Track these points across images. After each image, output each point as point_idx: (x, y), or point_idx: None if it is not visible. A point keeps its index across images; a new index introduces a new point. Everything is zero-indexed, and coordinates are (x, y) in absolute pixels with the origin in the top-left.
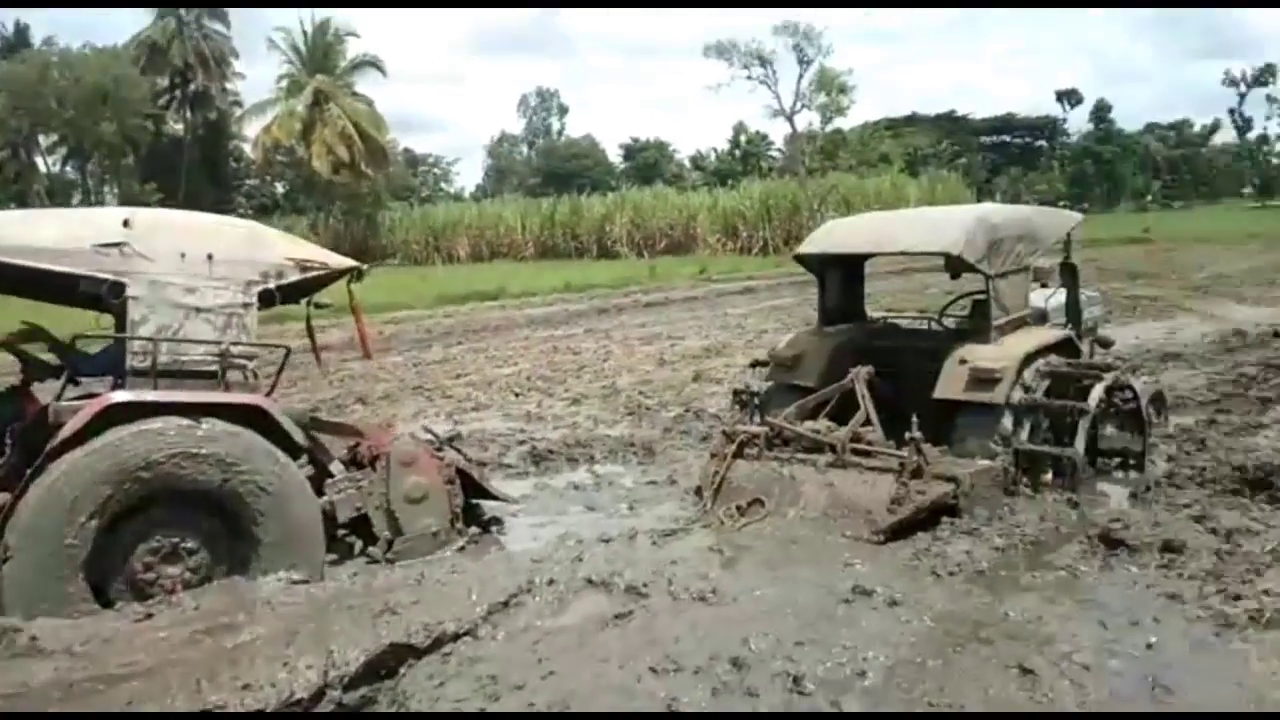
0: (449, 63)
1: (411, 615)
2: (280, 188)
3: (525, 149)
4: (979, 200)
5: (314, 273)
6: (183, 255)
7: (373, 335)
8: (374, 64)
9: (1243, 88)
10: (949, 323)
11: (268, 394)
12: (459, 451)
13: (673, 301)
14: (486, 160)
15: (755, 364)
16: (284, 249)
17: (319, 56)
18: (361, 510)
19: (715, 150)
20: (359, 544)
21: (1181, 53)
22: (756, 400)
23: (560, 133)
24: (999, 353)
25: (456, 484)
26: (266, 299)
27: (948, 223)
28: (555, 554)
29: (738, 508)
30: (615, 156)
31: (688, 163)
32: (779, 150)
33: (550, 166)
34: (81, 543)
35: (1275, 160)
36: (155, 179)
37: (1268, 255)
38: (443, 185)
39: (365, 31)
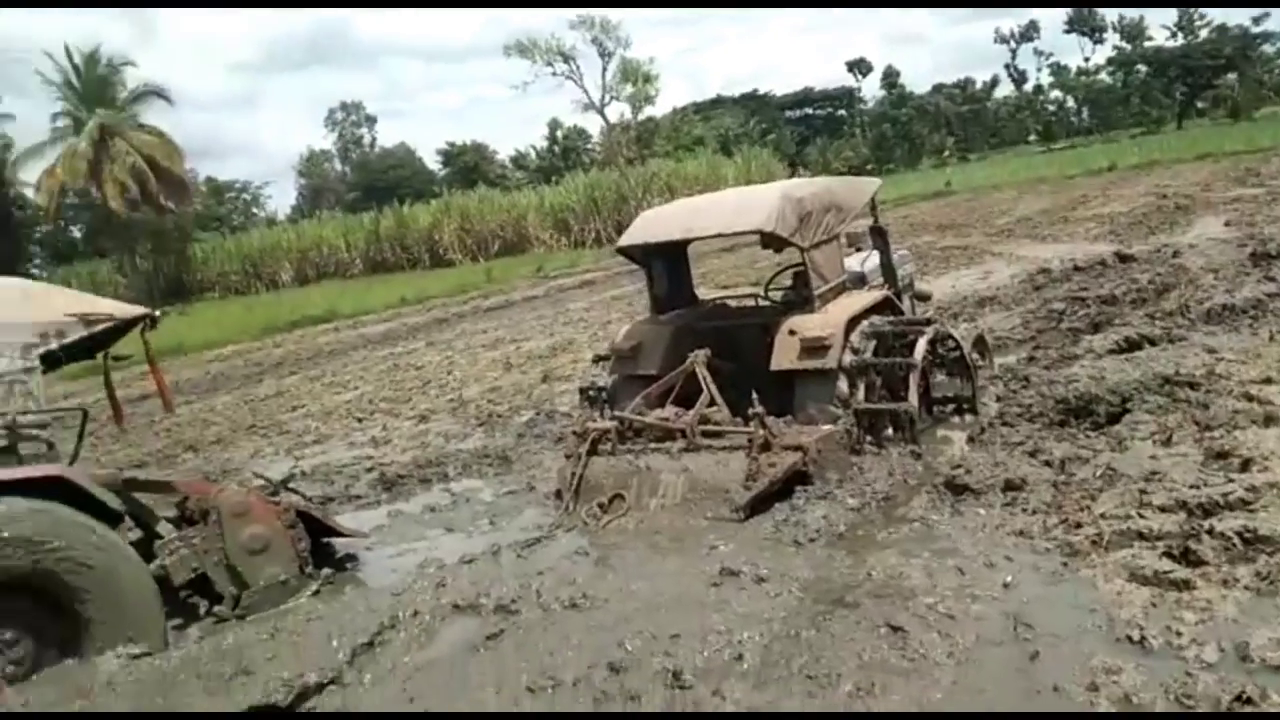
0: (240, 83)
1: (269, 672)
2: (76, 231)
3: (339, 164)
4: (792, 172)
5: (100, 326)
6: None
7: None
8: (158, 93)
9: (1013, 44)
10: (776, 296)
11: (70, 461)
12: (296, 492)
13: (513, 304)
14: (299, 180)
15: (598, 359)
16: (63, 305)
17: (95, 90)
18: (199, 569)
19: (534, 148)
20: (205, 604)
21: (954, 15)
22: (604, 395)
23: (373, 144)
24: (824, 320)
25: (299, 527)
26: (50, 361)
27: (757, 202)
28: (416, 583)
29: (599, 505)
30: (433, 163)
31: (509, 162)
32: (597, 143)
33: (367, 180)
34: None
35: (1051, 108)
36: None
37: (1057, 195)
38: (255, 210)
39: (142, 59)
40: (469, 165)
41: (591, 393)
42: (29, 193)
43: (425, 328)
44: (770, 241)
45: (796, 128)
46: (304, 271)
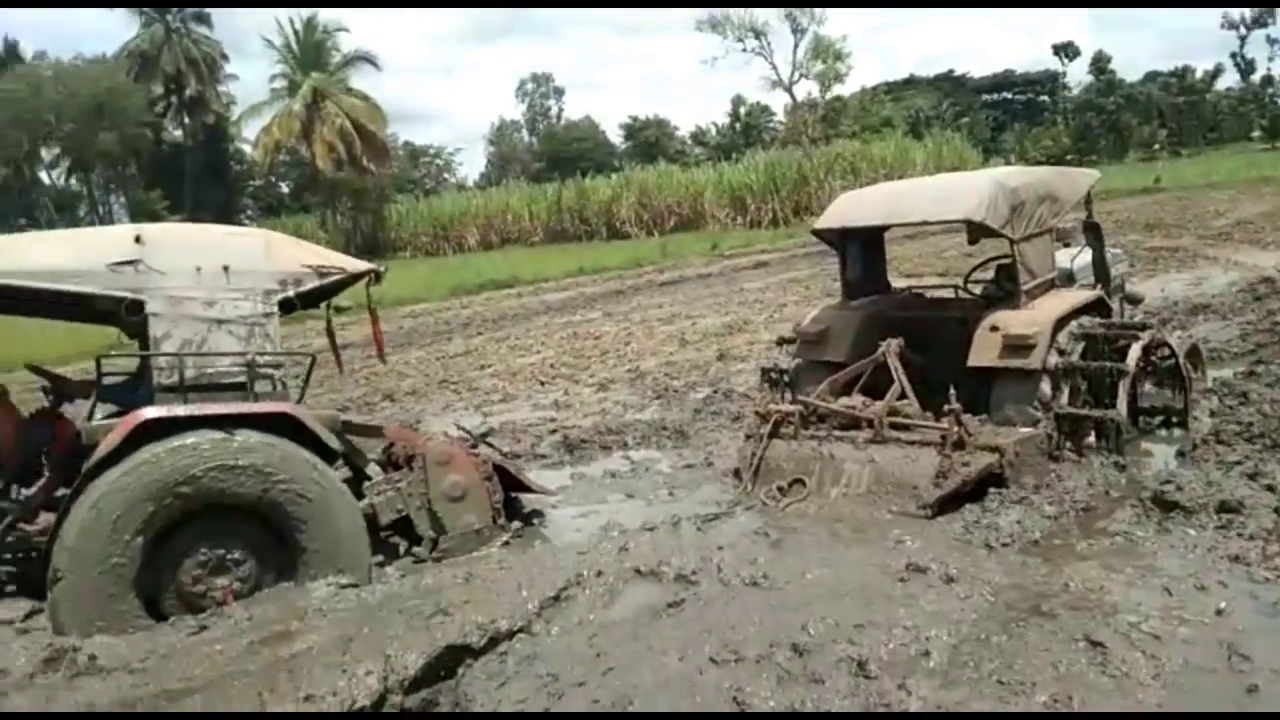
0: (441, 52)
1: (464, 614)
2: (285, 188)
3: (526, 135)
4: (986, 160)
5: (332, 278)
6: (199, 269)
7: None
8: (367, 59)
9: (1242, 30)
10: (975, 289)
11: (297, 401)
12: (493, 447)
13: (687, 280)
14: (488, 148)
15: (782, 341)
16: (301, 257)
17: (311, 54)
18: (403, 511)
19: (715, 124)
20: (403, 544)
21: None
22: (786, 378)
23: (559, 116)
24: (1031, 317)
25: (494, 480)
26: (287, 307)
27: (967, 189)
28: (600, 545)
29: (779, 489)
30: (616, 136)
31: (689, 138)
32: (780, 121)
33: (552, 151)
34: (129, 560)
35: None
36: (159, 186)
37: None
38: (446, 176)
39: (354, 26)
40: (650, 140)
41: (773, 375)
42: (247, 148)
43: (602, 298)
44: (978, 232)
45: (993, 112)
46: (488, 237)
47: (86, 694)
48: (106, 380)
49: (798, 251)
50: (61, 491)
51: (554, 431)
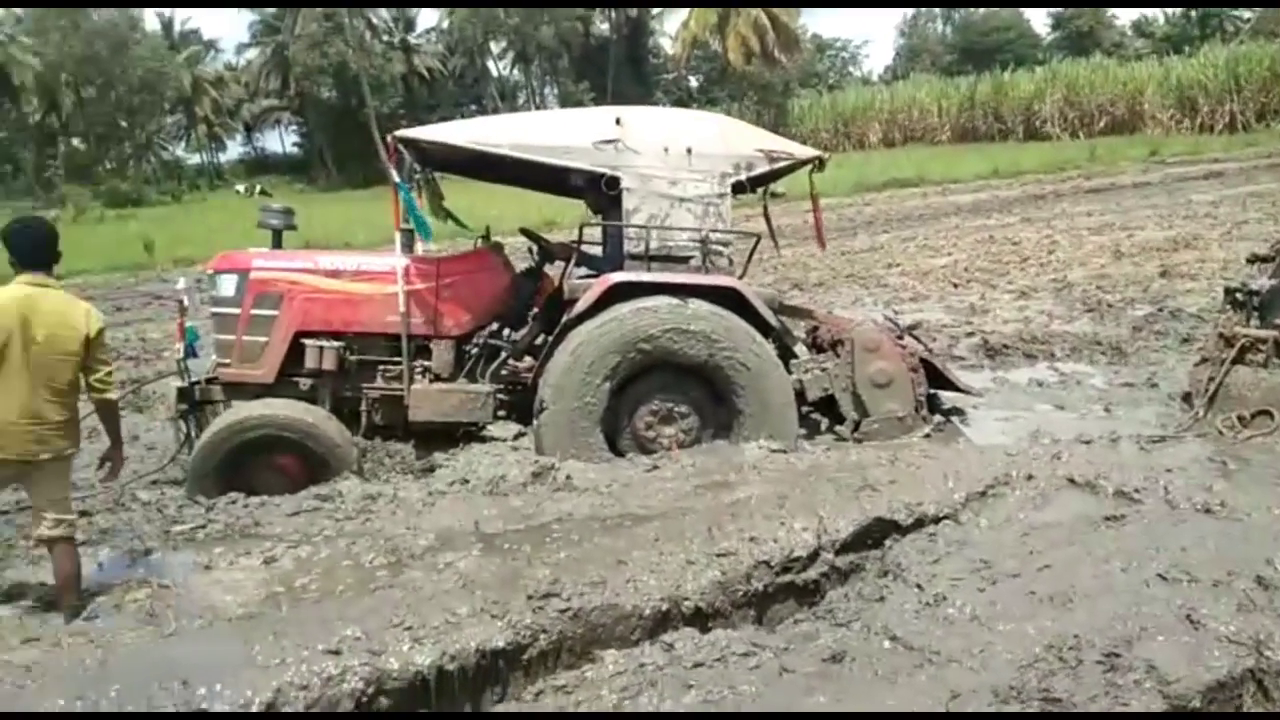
0: None
1: (891, 493)
2: (694, 81)
3: (940, 24)
4: None
5: (781, 163)
6: (665, 150)
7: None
8: None
9: None
10: None
11: (739, 277)
12: (919, 341)
13: (1120, 187)
14: (898, 40)
15: (1255, 258)
16: (754, 141)
17: None
18: (828, 391)
19: (1164, 13)
20: (824, 422)
21: None
22: (1256, 300)
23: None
24: None
25: (920, 372)
26: (738, 188)
27: None
28: (1030, 450)
29: (1239, 418)
30: (1041, 26)
31: (1129, 29)
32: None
33: (968, 42)
34: (598, 401)
35: None
36: (586, 78)
37: None
38: (850, 69)
39: None
40: (1082, 31)
41: (1240, 295)
42: (665, 43)
43: (1019, 202)
44: None
45: None
46: (890, 134)
47: (565, 505)
48: (583, 247)
49: (1260, 162)
50: (541, 338)
51: (971, 334)
